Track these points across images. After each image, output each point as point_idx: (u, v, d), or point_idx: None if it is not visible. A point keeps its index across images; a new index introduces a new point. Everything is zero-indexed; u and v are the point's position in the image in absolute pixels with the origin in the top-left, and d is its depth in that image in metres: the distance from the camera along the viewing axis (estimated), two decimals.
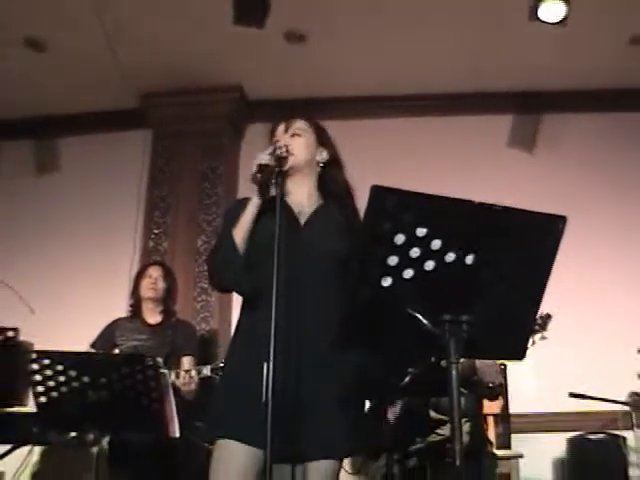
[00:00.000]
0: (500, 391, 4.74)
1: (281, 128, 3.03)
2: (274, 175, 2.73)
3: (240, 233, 2.76)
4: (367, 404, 4.09)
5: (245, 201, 2.91)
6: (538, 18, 5.15)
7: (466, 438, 3.69)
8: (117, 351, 4.77)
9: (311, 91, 6.25)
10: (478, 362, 4.35)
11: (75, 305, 6.04)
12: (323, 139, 3.06)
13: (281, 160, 2.77)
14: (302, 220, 2.88)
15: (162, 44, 6.19)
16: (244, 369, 2.69)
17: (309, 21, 5.93)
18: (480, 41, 6.07)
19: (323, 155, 3.01)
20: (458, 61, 6.34)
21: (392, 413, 3.65)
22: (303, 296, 2.72)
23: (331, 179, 3.01)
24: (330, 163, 3.03)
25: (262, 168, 2.71)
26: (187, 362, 4.68)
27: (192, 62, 6.41)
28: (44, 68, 6.43)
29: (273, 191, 2.78)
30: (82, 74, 6.56)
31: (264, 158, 2.72)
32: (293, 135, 2.97)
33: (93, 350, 4.80)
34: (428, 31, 6.01)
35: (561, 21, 5.14)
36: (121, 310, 5.25)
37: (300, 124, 3.02)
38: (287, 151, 2.80)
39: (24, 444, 4.51)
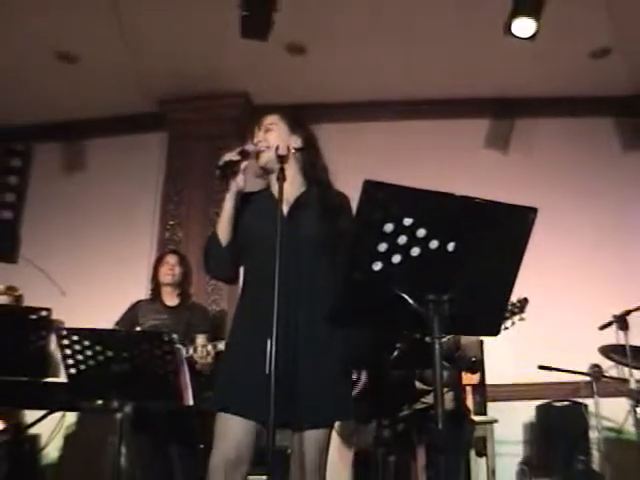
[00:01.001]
0: (480, 364, 4.77)
1: (256, 128, 2.98)
2: (238, 168, 2.75)
3: (220, 227, 2.80)
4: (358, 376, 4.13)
5: (248, 195, 2.93)
6: (511, 33, 5.14)
7: (448, 406, 3.70)
8: (138, 329, 4.77)
9: (308, 97, 6.25)
10: (463, 339, 4.37)
11: (101, 288, 6.05)
12: (295, 127, 2.99)
13: (256, 154, 2.83)
14: (285, 208, 2.83)
15: (177, 56, 6.20)
16: (241, 348, 2.72)
17: (308, 35, 5.94)
18: (460, 54, 6.07)
19: (298, 142, 2.94)
20: (440, 71, 6.35)
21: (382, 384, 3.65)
22: (291, 278, 2.68)
23: (309, 163, 2.96)
24: (306, 148, 2.97)
25: (223, 165, 2.72)
26: (201, 339, 4.68)
27: (203, 72, 6.41)
28: (73, 78, 6.43)
29: (242, 184, 2.80)
30: (107, 83, 6.56)
31: (226, 156, 2.74)
32: (266, 131, 2.93)
33: (117, 328, 4.81)
34: (414, 45, 6.01)
35: (531, 37, 5.13)
36: (141, 293, 5.25)
37: (271, 119, 2.97)
38: (258, 149, 2.84)
39: (57, 410, 4.52)
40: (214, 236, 2.83)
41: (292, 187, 2.89)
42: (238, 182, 2.78)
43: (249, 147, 2.83)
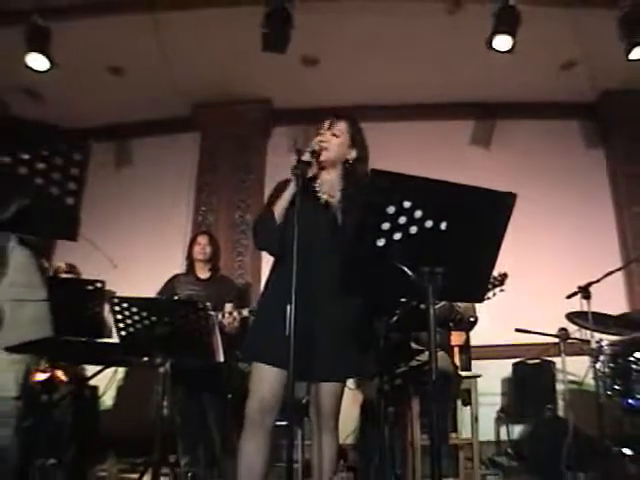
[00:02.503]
0: (475, 324, 4.77)
1: (326, 124, 2.91)
2: (308, 168, 2.71)
3: (278, 209, 2.73)
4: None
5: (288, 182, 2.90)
6: (492, 48, 5.11)
7: (439, 363, 3.71)
8: (176, 298, 4.78)
9: (319, 101, 6.22)
10: (461, 304, 4.36)
11: (145, 262, 6.11)
12: (356, 141, 2.93)
13: (317, 153, 2.76)
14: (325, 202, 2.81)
15: (208, 68, 6.21)
16: (272, 310, 2.69)
17: (319, 49, 5.94)
18: (449, 65, 6.06)
19: (352, 154, 2.91)
20: (432, 79, 6.33)
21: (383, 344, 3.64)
22: (318, 259, 2.70)
23: (355, 171, 2.89)
24: (357, 160, 2.92)
25: (301, 164, 2.67)
26: (229, 307, 4.69)
27: (231, 80, 6.41)
28: (121, 88, 6.45)
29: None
30: (148, 92, 6.56)
31: (306, 156, 2.69)
32: (333, 134, 2.87)
33: (159, 297, 4.83)
34: (410, 57, 6.01)
35: (509, 51, 5.11)
36: (178, 267, 5.26)
37: (341, 126, 2.91)
38: (321, 148, 2.77)
39: (111, 365, 4.56)
40: (270, 215, 2.76)
41: (334, 186, 2.88)
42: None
43: (315, 147, 2.77)
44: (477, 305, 4.14)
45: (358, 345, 2.89)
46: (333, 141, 2.85)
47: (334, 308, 2.71)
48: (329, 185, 2.88)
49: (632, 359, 4.31)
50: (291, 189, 2.71)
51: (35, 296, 2.96)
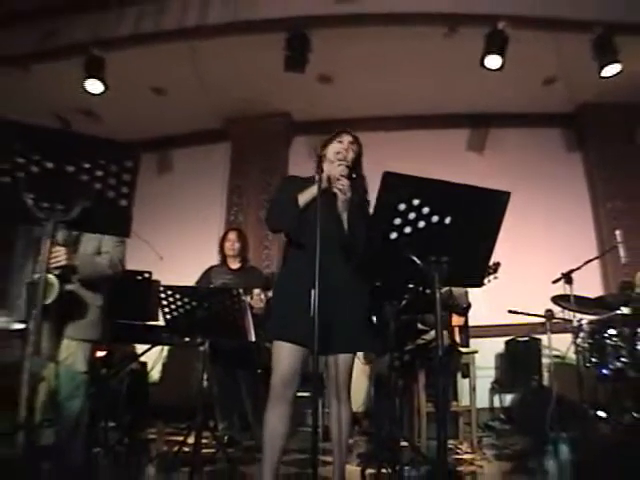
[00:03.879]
0: (468, 309, 4.76)
1: (348, 139, 2.89)
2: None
3: (302, 199, 2.68)
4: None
5: (299, 178, 2.89)
6: (484, 66, 5.10)
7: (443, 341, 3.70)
8: (212, 286, 4.79)
9: (333, 114, 6.25)
10: (455, 291, 4.35)
11: (186, 255, 6.07)
12: (360, 158, 2.94)
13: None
14: (339, 202, 2.74)
15: (238, 86, 6.22)
16: (293, 289, 2.67)
17: (333, 69, 5.94)
18: (447, 81, 6.05)
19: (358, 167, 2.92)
20: (432, 93, 6.32)
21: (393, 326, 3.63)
22: (334, 248, 2.66)
23: (357, 174, 2.89)
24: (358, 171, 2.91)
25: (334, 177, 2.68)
26: (257, 291, 4.67)
27: (257, 97, 6.42)
28: (163, 106, 6.49)
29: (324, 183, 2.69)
30: (187, 108, 6.60)
31: (341, 171, 2.69)
32: (348, 149, 2.85)
33: (198, 285, 4.84)
34: (412, 74, 6.00)
35: (499, 68, 5.10)
36: (213, 259, 5.25)
37: (356, 145, 2.91)
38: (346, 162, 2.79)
39: (158, 345, 4.59)
40: (294, 201, 2.70)
41: (345, 188, 2.77)
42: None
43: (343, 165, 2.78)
44: (474, 290, 4.10)
45: (367, 324, 2.86)
46: (349, 155, 2.84)
47: (348, 292, 2.68)
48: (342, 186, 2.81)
49: (606, 335, 4.35)
50: (316, 188, 2.64)
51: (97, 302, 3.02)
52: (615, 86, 5.55)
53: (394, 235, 2.08)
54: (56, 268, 2.70)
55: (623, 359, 4.22)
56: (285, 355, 2.62)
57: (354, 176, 2.85)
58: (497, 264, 3.91)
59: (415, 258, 2.11)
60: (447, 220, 2.12)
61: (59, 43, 5.32)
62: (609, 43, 4.96)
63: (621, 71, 5.07)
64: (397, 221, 2.07)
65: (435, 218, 2.10)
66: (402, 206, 2.05)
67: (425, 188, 2.09)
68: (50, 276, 2.64)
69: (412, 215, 2.07)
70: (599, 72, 5.11)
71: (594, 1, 5.03)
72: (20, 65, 5.43)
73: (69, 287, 2.87)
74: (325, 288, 2.41)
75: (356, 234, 2.66)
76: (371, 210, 2.21)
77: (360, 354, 4.51)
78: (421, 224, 2.10)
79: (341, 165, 2.73)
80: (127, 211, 2.18)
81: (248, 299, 4.48)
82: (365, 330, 2.81)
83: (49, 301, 2.66)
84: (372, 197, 2.19)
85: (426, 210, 2.08)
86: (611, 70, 5.08)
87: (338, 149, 2.83)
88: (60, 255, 2.73)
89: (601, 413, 4.21)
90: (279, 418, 2.62)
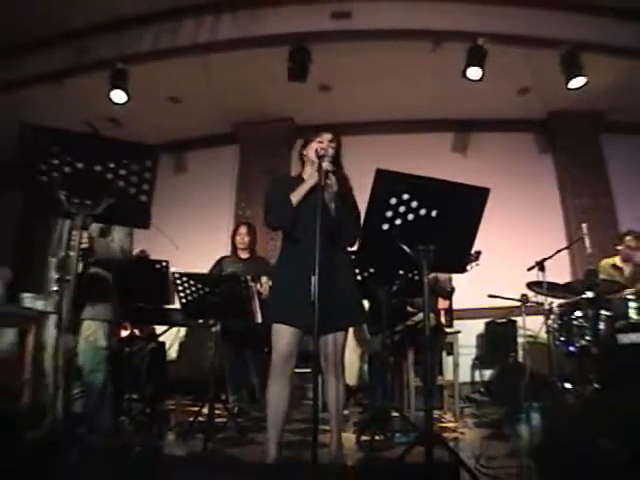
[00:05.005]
0: (452, 293, 4.76)
1: (328, 137, 2.78)
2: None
3: (296, 197, 2.64)
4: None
5: (284, 178, 2.90)
6: (466, 76, 5.08)
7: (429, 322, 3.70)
8: (224, 274, 4.78)
9: (331, 119, 6.10)
10: (440, 276, 4.35)
11: (199, 245, 6.05)
12: (339, 148, 2.82)
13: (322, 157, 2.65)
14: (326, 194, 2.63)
15: (245, 94, 6.18)
16: (290, 277, 2.65)
17: (332, 78, 5.89)
18: (433, 90, 6.02)
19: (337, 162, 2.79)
20: (419, 101, 6.29)
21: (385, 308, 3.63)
22: (325, 239, 2.60)
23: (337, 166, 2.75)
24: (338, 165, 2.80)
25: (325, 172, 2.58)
26: (264, 279, 4.66)
27: (263, 103, 6.38)
28: (179, 113, 6.45)
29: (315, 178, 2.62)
30: (199, 115, 6.57)
31: (327, 167, 2.58)
32: (330, 145, 2.75)
33: (211, 273, 4.84)
34: (401, 83, 5.96)
35: (480, 79, 5.09)
36: (224, 249, 5.31)
37: (334, 142, 2.79)
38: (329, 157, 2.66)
39: (174, 326, 4.61)
40: (288, 199, 2.65)
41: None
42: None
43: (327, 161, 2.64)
44: (458, 276, 4.09)
45: (355, 300, 2.82)
46: (330, 150, 2.71)
47: (336, 274, 2.63)
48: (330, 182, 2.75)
49: (573, 317, 4.39)
50: (310, 183, 2.63)
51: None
52: (581, 96, 5.54)
53: (386, 226, 2.08)
54: (80, 250, 2.74)
55: (587, 338, 4.24)
56: (283, 336, 2.61)
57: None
58: (478, 252, 3.90)
59: (405, 247, 2.11)
60: (434, 213, 2.12)
61: (88, 60, 5.37)
62: (575, 59, 4.98)
63: (586, 83, 5.09)
64: (389, 214, 2.07)
65: (423, 211, 2.11)
66: (393, 200, 2.05)
67: (414, 184, 2.09)
68: (73, 254, 2.67)
69: (402, 208, 2.08)
70: (566, 84, 5.12)
71: (562, 22, 5.04)
72: (55, 80, 5.49)
73: (93, 270, 2.91)
74: (320, 274, 2.40)
75: (342, 220, 2.61)
76: (360, 201, 2.20)
77: (354, 338, 4.52)
78: (410, 216, 2.10)
79: (325, 162, 2.60)
80: (147, 206, 2.18)
81: (258, 286, 4.49)
82: (354, 305, 2.78)
83: (71, 277, 2.72)
84: (366, 193, 2.18)
85: (415, 204, 2.09)
86: (577, 82, 5.09)
87: (318, 148, 2.69)
88: (85, 239, 2.75)
89: (568, 385, 4.23)
90: (280, 390, 2.63)
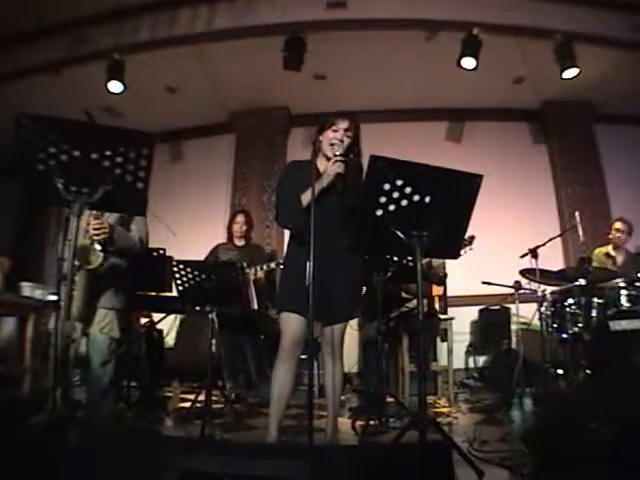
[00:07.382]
0: (445, 279, 4.78)
1: (343, 126, 2.68)
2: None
3: (305, 200, 2.57)
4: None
5: (299, 163, 2.82)
6: (461, 67, 5.06)
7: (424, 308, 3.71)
8: (220, 261, 4.79)
9: (326, 108, 5.93)
10: (434, 262, 4.36)
11: (196, 233, 6.04)
12: (357, 141, 2.75)
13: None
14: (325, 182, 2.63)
15: (242, 84, 6.16)
16: (295, 270, 2.66)
17: (326, 67, 5.87)
18: (428, 79, 6.01)
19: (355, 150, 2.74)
20: (415, 90, 6.29)
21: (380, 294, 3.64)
22: (333, 233, 2.60)
23: (353, 163, 2.70)
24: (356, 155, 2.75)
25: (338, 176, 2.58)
26: (259, 266, 4.66)
27: (259, 93, 6.36)
28: (175, 102, 6.42)
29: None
30: (196, 104, 6.53)
31: (340, 169, 2.57)
32: (345, 134, 2.68)
33: (207, 260, 4.87)
34: (397, 73, 5.95)
35: (474, 69, 5.06)
36: (220, 236, 5.31)
37: (350, 128, 2.70)
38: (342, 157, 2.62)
39: (172, 313, 4.59)
40: (297, 200, 2.60)
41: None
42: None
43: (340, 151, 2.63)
44: (453, 264, 4.10)
45: (359, 293, 2.91)
46: (346, 139, 2.67)
47: (344, 269, 2.69)
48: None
49: (566, 304, 4.39)
50: (322, 185, 2.59)
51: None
52: (574, 86, 5.55)
53: (380, 212, 2.08)
54: (100, 239, 2.78)
55: (579, 325, 4.27)
56: (293, 323, 2.64)
57: (351, 156, 2.70)
58: (472, 237, 3.88)
59: (399, 233, 2.11)
60: (427, 199, 2.12)
61: (85, 50, 5.34)
62: (569, 50, 4.96)
63: (579, 73, 5.08)
64: (382, 199, 2.07)
65: (416, 197, 2.10)
66: (387, 186, 2.05)
67: (408, 170, 2.08)
68: (96, 246, 2.79)
69: (396, 194, 2.07)
70: (560, 74, 5.10)
71: (556, 13, 5.01)
72: (53, 69, 5.46)
73: (113, 260, 2.95)
74: (325, 267, 2.42)
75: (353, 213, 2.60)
76: None
77: (354, 323, 4.54)
78: (404, 202, 2.10)
79: (337, 162, 2.58)
80: (143, 193, 2.18)
81: (253, 272, 4.50)
82: (357, 300, 2.86)
83: (93, 266, 2.82)
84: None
85: (408, 190, 2.08)
86: (570, 73, 5.07)
87: (332, 139, 2.67)
88: (105, 228, 2.77)
89: (560, 371, 4.27)
90: (286, 374, 2.67)
